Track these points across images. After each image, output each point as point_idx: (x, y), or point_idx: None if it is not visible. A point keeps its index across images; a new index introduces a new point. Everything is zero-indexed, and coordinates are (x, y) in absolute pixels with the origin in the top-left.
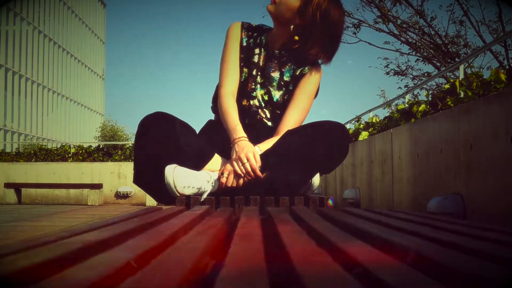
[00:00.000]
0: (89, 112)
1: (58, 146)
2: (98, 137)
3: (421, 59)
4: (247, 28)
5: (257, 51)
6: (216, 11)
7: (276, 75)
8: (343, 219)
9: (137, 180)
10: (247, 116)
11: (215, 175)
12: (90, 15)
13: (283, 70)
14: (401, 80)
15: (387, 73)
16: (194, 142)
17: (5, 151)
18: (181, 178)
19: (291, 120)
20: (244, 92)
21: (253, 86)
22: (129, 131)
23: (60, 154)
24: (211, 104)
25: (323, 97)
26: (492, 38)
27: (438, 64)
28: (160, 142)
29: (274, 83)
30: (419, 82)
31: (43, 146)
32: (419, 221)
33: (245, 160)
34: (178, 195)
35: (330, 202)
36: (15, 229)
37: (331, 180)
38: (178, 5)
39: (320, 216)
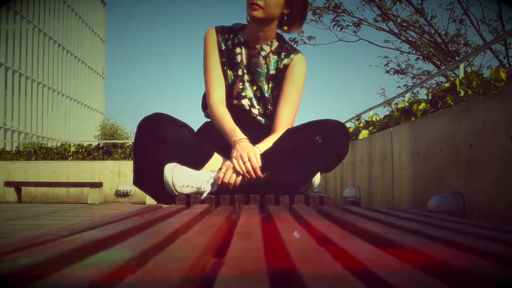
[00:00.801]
0: (89, 111)
1: (58, 145)
2: (98, 135)
3: (421, 57)
4: (221, 31)
5: (238, 50)
6: (219, 9)
7: (262, 69)
8: (343, 218)
9: (137, 182)
10: (240, 116)
11: (215, 175)
12: (90, 13)
13: (268, 63)
14: (401, 79)
15: (387, 72)
16: (192, 142)
17: (5, 150)
18: (180, 177)
19: (285, 115)
20: (233, 94)
21: (241, 86)
22: (129, 130)
23: (60, 153)
24: (203, 113)
25: (323, 95)
26: (492, 37)
27: (438, 62)
28: (159, 143)
29: (262, 78)
30: (419, 81)
31: (43, 145)
32: (419, 219)
33: (246, 159)
34: (177, 194)
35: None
36: (15, 227)
37: (331, 179)
38: (180, 3)
39: (320, 214)
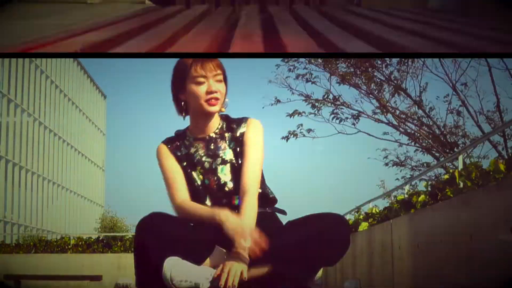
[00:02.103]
0: (88, 204)
1: (58, 238)
2: (98, 228)
3: (420, 149)
4: (170, 141)
5: (193, 149)
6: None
7: (225, 149)
8: None
9: (140, 286)
10: (229, 202)
11: (215, 273)
12: (90, 106)
13: (226, 141)
14: (400, 171)
15: (386, 164)
16: (192, 238)
17: (5, 243)
18: (180, 272)
19: (250, 174)
20: (214, 190)
21: (215, 177)
22: (129, 222)
23: (60, 246)
24: None
25: (322, 187)
26: (490, 128)
27: (437, 154)
28: (157, 243)
29: (228, 155)
30: (417, 173)
31: (43, 238)
32: None
33: (249, 244)
34: None
35: None
36: None
37: (331, 271)
38: None
39: None
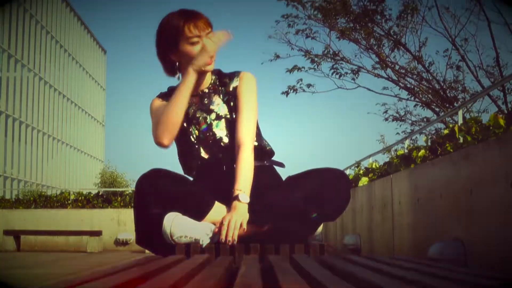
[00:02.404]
0: (88, 159)
1: (58, 193)
2: (98, 183)
3: (420, 104)
4: (164, 96)
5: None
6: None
7: (218, 104)
8: (344, 268)
9: (140, 241)
10: (225, 156)
11: (215, 228)
12: (91, 61)
13: (220, 95)
14: (400, 126)
15: (386, 119)
16: (192, 194)
17: (5, 198)
18: (179, 227)
19: (245, 127)
20: (209, 144)
21: (211, 133)
22: (129, 178)
23: (60, 201)
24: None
25: (322, 142)
26: (490, 82)
27: (437, 109)
28: (158, 200)
29: (222, 109)
30: (417, 128)
31: (43, 193)
32: (420, 269)
33: (238, 225)
34: (173, 243)
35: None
36: (14, 276)
37: (331, 226)
38: None
39: (321, 265)
